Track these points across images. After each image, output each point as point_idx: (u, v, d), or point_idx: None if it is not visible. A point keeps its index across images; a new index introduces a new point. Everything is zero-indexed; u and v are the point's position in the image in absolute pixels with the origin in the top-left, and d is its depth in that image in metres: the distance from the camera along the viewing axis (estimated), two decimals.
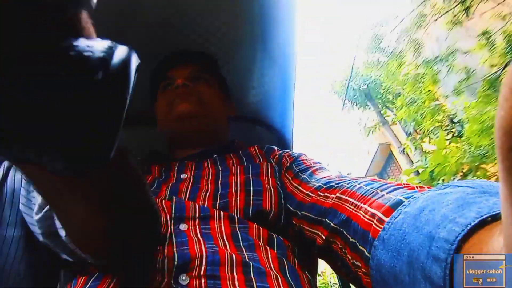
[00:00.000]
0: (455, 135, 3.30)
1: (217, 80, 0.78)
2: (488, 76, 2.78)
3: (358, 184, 0.47)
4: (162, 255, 0.46)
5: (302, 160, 0.65)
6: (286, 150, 0.74)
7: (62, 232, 0.41)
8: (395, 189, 0.40)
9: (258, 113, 0.96)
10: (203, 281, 0.43)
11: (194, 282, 0.42)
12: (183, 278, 0.43)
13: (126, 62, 0.21)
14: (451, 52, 3.09)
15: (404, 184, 0.42)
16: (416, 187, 0.40)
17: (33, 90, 0.19)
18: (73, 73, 0.19)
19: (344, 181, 0.50)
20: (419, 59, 3.17)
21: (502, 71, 2.69)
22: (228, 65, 0.84)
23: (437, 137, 3.02)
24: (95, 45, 0.21)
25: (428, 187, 0.38)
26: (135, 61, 0.22)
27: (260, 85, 0.90)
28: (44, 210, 0.42)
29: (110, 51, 0.21)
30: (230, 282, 0.43)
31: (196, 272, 0.43)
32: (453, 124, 3.31)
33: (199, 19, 0.76)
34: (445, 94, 3.20)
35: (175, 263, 0.44)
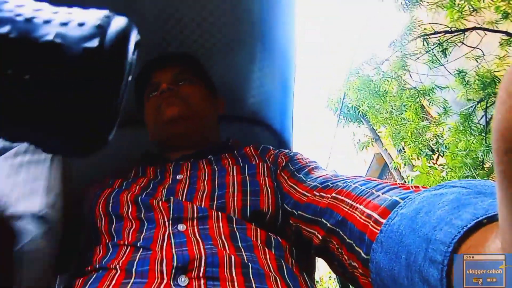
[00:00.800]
0: (441, 155, 3.37)
1: (201, 79, 0.77)
2: (464, 110, 2.90)
3: (354, 183, 0.46)
4: (161, 256, 0.45)
5: (298, 159, 0.65)
6: (281, 149, 0.73)
7: None
8: (391, 189, 0.40)
9: (257, 113, 0.96)
10: (202, 282, 0.42)
11: (194, 283, 0.42)
12: (183, 279, 0.43)
13: (124, 31, 0.20)
14: (431, 88, 3.24)
15: (399, 184, 0.42)
16: (411, 186, 0.39)
17: (26, 64, 0.18)
18: (67, 41, 0.19)
19: (339, 181, 0.50)
20: (403, 93, 3.30)
21: (475, 106, 2.85)
22: (228, 65, 0.84)
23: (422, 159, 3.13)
24: (91, 13, 0.20)
25: (423, 187, 0.38)
26: (134, 35, 0.21)
27: (260, 85, 0.90)
28: None
29: (107, 20, 0.20)
30: (230, 283, 0.43)
31: (196, 274, 0.43)
32: (433, 152, 3.40)
33: (199, 19, 0.76)
34: (426, 125, 3.35)
35: (174, 264, 0.44)
